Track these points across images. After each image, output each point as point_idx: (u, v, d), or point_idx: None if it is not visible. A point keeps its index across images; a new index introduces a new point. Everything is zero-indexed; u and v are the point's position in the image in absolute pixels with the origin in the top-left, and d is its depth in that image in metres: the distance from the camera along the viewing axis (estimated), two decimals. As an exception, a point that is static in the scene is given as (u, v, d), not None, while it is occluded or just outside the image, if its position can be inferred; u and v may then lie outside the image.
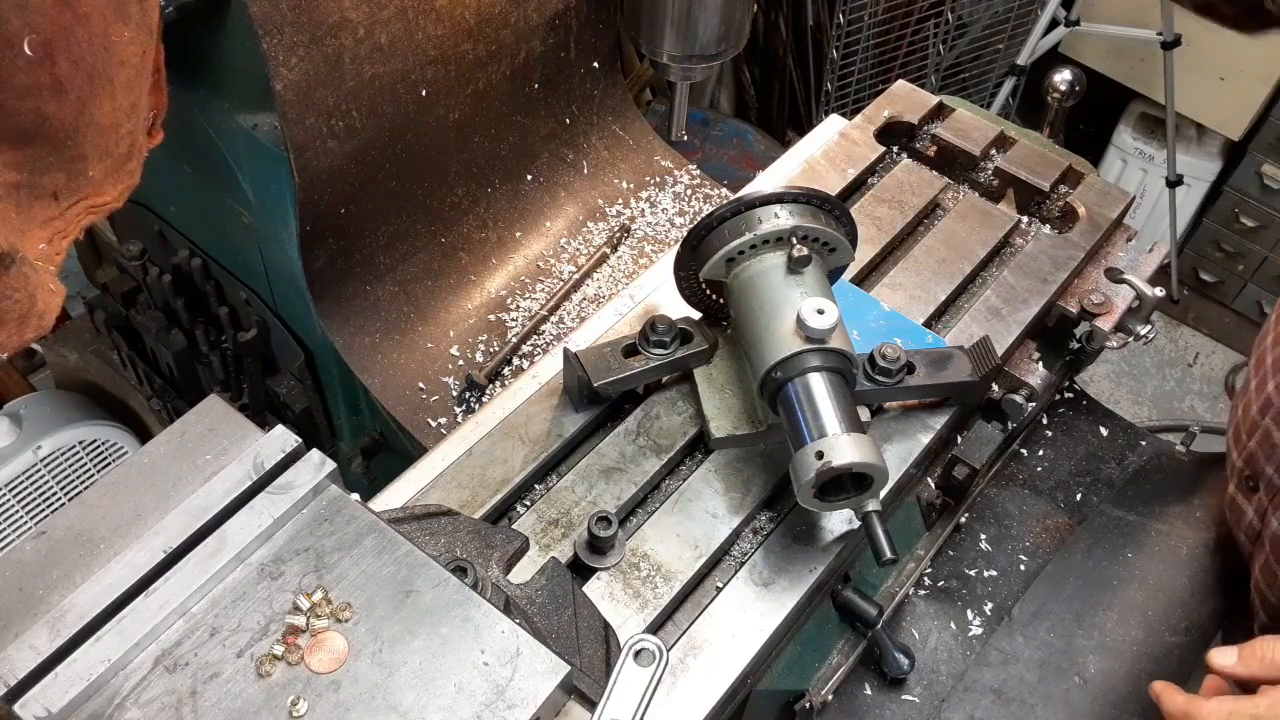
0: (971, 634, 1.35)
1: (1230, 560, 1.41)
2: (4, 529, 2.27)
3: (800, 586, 1.15)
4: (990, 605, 1.38)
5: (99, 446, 2.34)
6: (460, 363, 1.88)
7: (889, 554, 1.08)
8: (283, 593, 0.92)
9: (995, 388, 1.41)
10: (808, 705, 1.26)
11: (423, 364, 1.87)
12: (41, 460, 2.26)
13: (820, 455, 1.06)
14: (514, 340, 1.89)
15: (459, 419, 1.80)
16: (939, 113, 1.68)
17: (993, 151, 1.61)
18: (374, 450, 2.02)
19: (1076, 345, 1.51)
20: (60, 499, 2.31)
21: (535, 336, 1.92)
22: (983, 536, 1.45)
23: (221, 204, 1.82)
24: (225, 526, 0.94)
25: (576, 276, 1.98)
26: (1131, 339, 1.49)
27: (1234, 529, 1.35)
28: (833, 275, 1.27)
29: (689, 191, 2.15)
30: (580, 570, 1.14)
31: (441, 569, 0.94)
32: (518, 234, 2.03)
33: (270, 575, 0.93)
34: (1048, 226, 1.56)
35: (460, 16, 1.72)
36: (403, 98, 1.72)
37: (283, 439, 0.99)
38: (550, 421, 1.26)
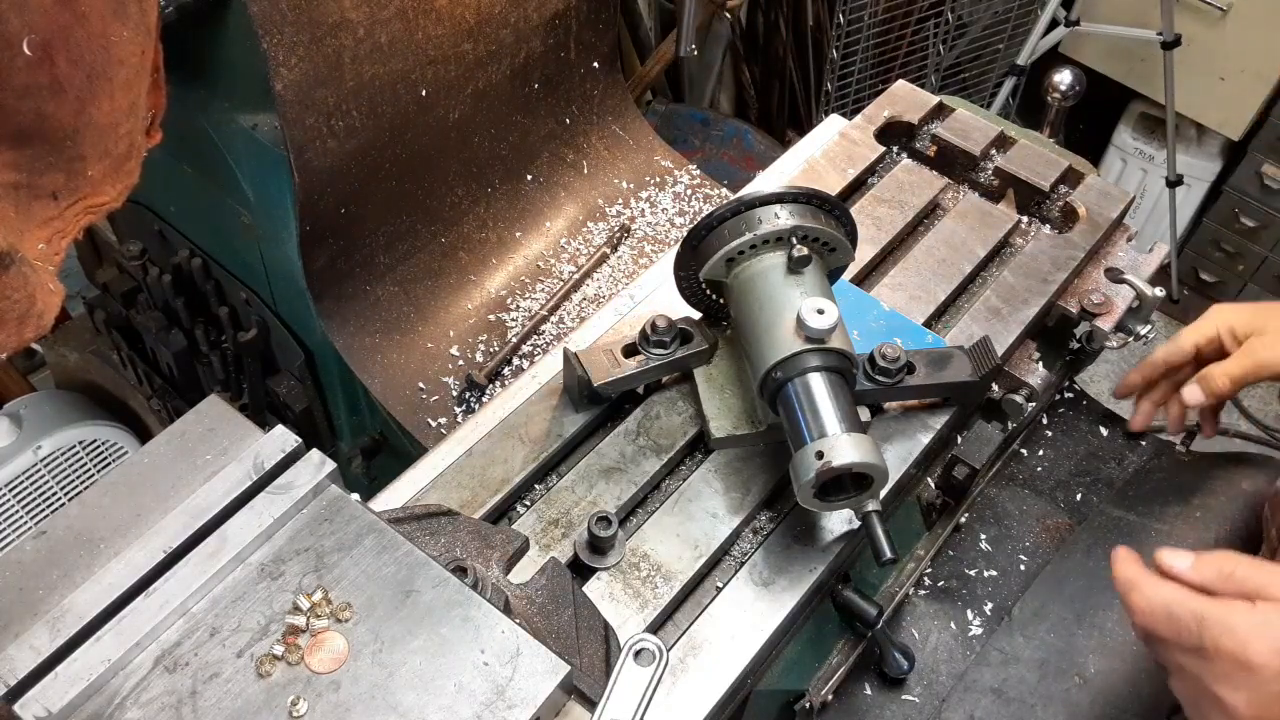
0: (971, 634, 1.35)
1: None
2: (4, 529, 2.27)
3: (800, 586, 1.15)
4: (990, 605, 1.38)
5: (99, 446, 2.34)
6: (460, 363, 1.88)
7: (889, 554, 1.08)
8: (283, 593, 0.92)
9: (995, 388, 1.41)
10: (808, 705, 1.26)
11: (423, 364, 1.87)
12: (41, 460, 2.26)
13: (820, 455, 1.06)
14: (514, 340, 1.89)
15: (459, 419, 1.80)
16: (939, 113, 1.68)
17: (993, 151, 1.61)
18: (374, 450, 2.02)
19: (1076, 345, 1.51)
20: (60, 499, 2.31)
21: (535, 336, 1.92)
22: (983, 536, 1.45)
23: (221, 204, 1.82)
24: (225, 526, 0.94)
25: (576, 276, 1.98)
26: (1131, 339, 1.49)
27: (1266, 526, 1.35)
28: (833, 275, 1.27)
29: (689, 191, 2.15)
30: (580, 570, 1.14)
31: (441, 569, 0.94)
32: (518, 234, 2.03)
33: (270, 575, 0.93)
34: (1048, 226, 1.56)
35: (460, 16, 1.72)
36: (403, 98, 1.72)
37: (283, 439, 0.99)
38: (550, 421, 1.26)
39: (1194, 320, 1.42)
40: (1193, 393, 1.40)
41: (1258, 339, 1.35)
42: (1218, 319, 1.39)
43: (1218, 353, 1.39)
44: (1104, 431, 1.59)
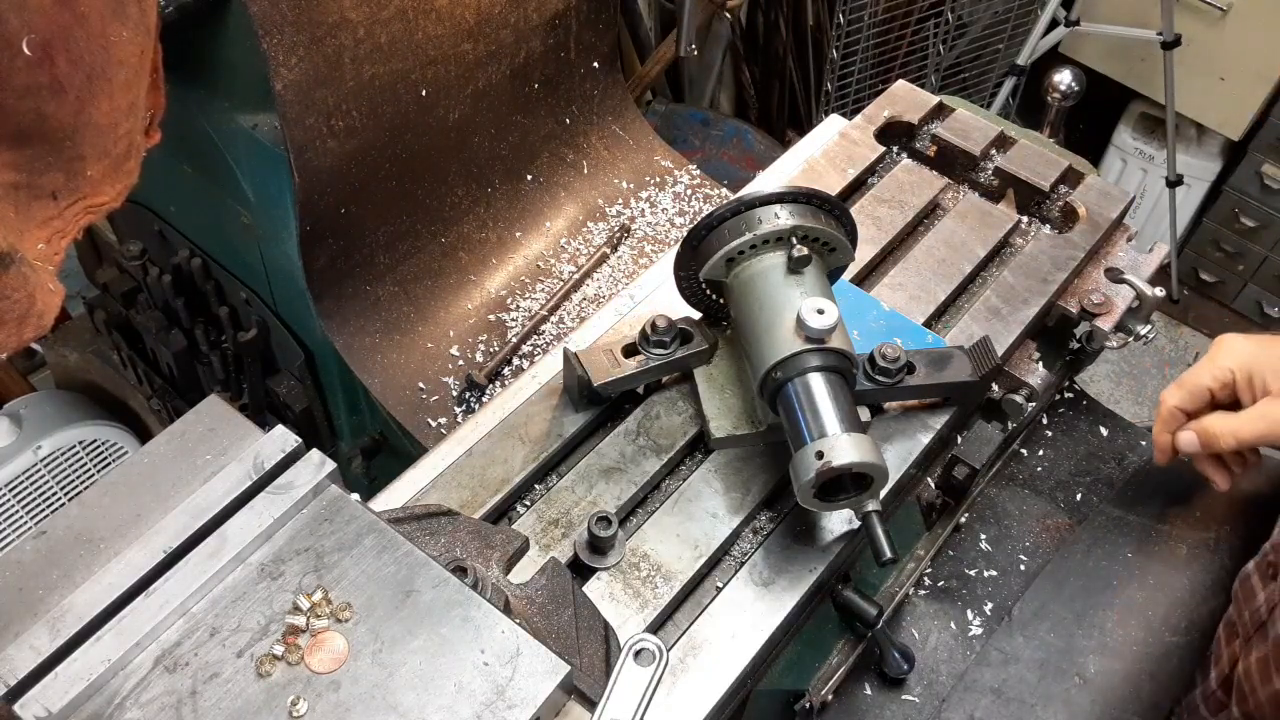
0: (971, 634, 1.35)
1: (1230, 561, 1.41)
2: (4, 529, 2.27)
3: (800, 586, 1.15)
4: (990, 605, 1.38)
5: (99, 446, 2.34)
6: (460, 363, 1.88)
7: (889, 554, 1.08)
8: (283, 593, 0.92)
9: (995, 388, 1.41)
10: (808, 705, 1.26)
11: (423, 364, 1.87)
12: (41, 460, 2.26)
13: (820, 455, 1.06)
14: (514, 340, 1.89)
15: (459, 419, 1.80)
16: (939, 113, 1.68)
17: (993, 151, 1.61)
18: (374, 450, 2.02)
19: (1076, 345, 1.51)
20: (60, 499, 2.31)
21: (535, 336, 1.92)
22: (983, 536, 1.45)
23: (221, 204, 1.82)
24: (225, 526, 0.94)
25: (576, 276, 1.98)
26: (1131, 339, 1.49)
27: (1235, 604, 1.33)
28: (833, 275, 1.27)
29: (689, 191, 2.16)
30: (580, 570, 1.14)
31: (441, 569, 0.94)
32: (518, 234, 2.03)
33: (270, 575, 0.93)
34: (1048, 226, 1.56)
35: (460, 16, 1.72)
36: (403, 98, 1.72)
37: (283, 439, 0.99)
38: (550, 421, 1.26)
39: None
40: (1189, 440, 1.31)
41: (1276, 401, 1.25)
42: (1232, 357, 1.29)
43: (1230, 394, 1.31)
44: (1104, 431, 1.59)
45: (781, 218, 1.17)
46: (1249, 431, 1.27)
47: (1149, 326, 1.49)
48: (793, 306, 1.13)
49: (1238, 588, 1.32)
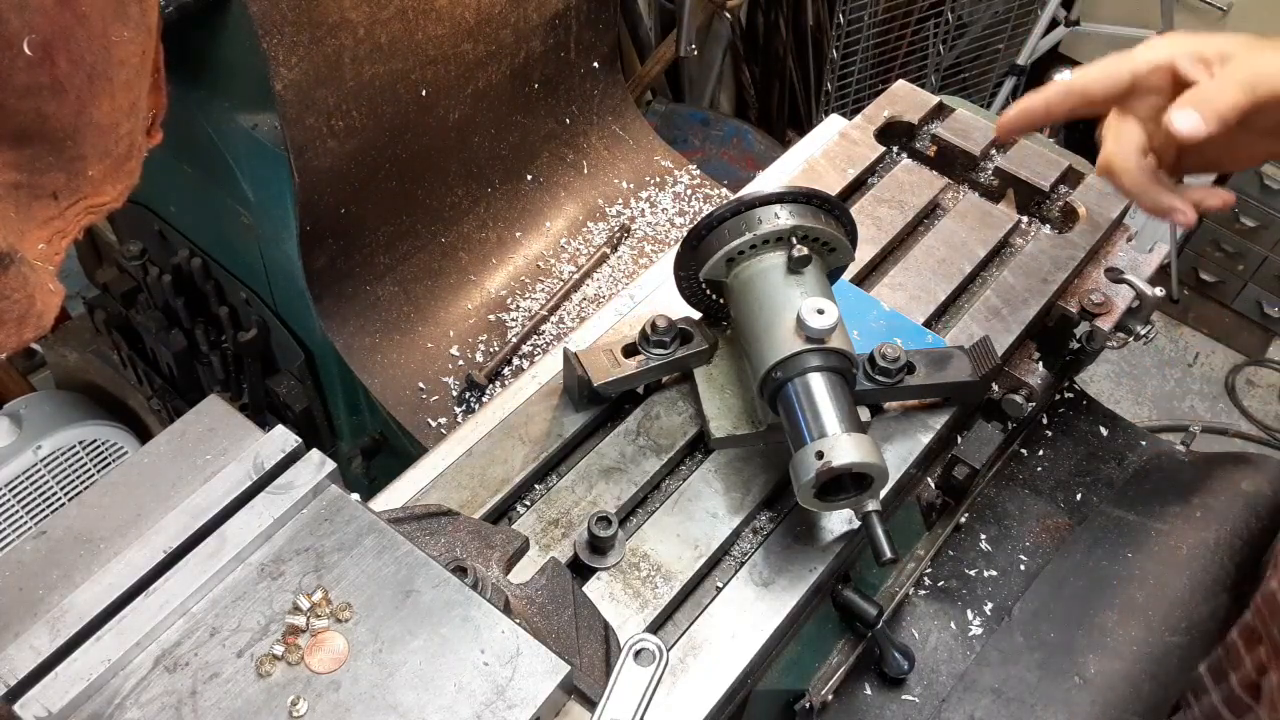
0: (971, 634, 1.35)
1: (1230, 561, 1.41)
2: (4, 529, 2.27)
3: (800, 586, 1.15)
4: (990, 605, 1.38)
5: (99, 446, 2.34)
6: (460, 363, 1.88)
7: (889, 554, 1.08)
8: (283, 593, 0.92)
9: (995, 388, 1.41)
10: (808, 705, 1.26)
11: (423, 364, 1.87)
12: (41, 460, 2.26)
13: (820, 455, 1.06)
14: (514, 340, 1.89)
15: (459, 419, 1.80)
16: (939, 113, 1.68)
17: (993, 151, 1.61)
18: (374, 450, 2.02)
19: (1076, 345, 1.51)
20: (60, 499, 2.31)
21: (535, 336, 1.92)
22: (983, 536, 1.45)
23: (221, 204, 1.82)
24: (225, 526, 0.94)
25: (576, 276, 1.98)
26: (1131, 339, 1.49)
27: (1258, 615, 1.32)
28: (833, 275, 1.27)
29: (689, 191, 2.16)
30: (580, 570, 1.14)
31: (441, 569, 0.94)
32: (518, 234, 2.03)
33: (270, 575, 0.93)
34: (1048, 226, 1.56)
35: (460, 16, 1.72)
36: (403, 98, 1.72)
37: (283, 439, 0.99)
38: (550, 421, 1.26)
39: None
40: (1189, 120, 0.98)
41: (1239, 58, 1.02)
42: (1170, 47, 1.05)
43: (1167, 87, 1.05)
44: (1104, 431, 1.59)
45: (781, 218, 1.17)
46: (1245, 75, 1.00)
47: (1149, 326, 1.49)
48: (793, 306, 1.13)
49: (1261, 602, 1.31)
